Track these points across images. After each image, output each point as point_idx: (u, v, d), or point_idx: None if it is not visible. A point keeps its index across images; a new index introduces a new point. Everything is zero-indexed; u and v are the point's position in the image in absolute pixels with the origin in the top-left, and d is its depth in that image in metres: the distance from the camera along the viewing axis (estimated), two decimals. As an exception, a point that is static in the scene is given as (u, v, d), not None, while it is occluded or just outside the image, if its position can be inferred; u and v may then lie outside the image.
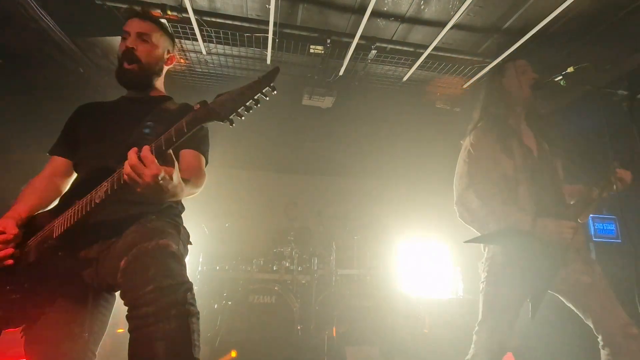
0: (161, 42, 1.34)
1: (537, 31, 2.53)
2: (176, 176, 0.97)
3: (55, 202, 1.24)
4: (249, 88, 0.92)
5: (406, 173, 5.34)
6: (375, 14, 2.53)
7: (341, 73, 3.22)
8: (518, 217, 1.50)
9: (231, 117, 0.93)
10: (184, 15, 2.55)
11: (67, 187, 1.29)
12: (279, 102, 3.99)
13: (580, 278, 1.50)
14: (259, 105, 0.95)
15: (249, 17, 2.67)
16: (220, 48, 3.00)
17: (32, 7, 2.32)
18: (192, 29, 2.66)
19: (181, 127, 0.92)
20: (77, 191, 1.10)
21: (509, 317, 1.53)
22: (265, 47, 2.88)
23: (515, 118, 1.72)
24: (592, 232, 3.33)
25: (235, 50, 3.02)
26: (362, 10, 2.48)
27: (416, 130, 4.40)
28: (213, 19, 2.64)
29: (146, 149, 0.90)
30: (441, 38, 2.71)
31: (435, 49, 2.85)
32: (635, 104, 1.23)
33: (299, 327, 3.14)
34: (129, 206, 1.12)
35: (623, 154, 1.42)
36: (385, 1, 2.47)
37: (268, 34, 2.69)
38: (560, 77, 1.42)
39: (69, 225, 1.03)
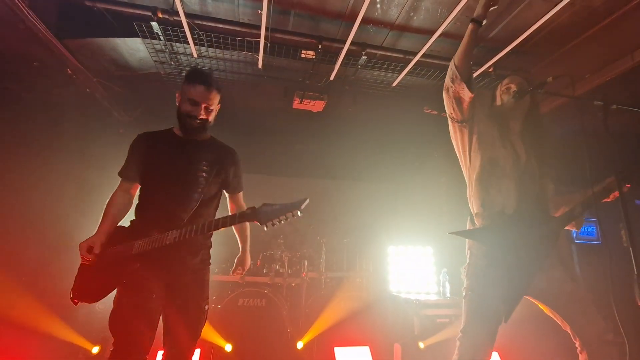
0: (217, 105, 1.73)
1: (520, 41, 2.62)
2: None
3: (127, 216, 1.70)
4: (285, 208, 1.35)
5: (395, 176, 5.41)
6: (365, 20, 2.58)
7: (332, 78, 3.26)
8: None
9: (268, 224, 1.37)
10: (175, 18, 2.55)
11: (132, 202, 1.72)
12: (270, 105, 4.01)
13: (562, 286, 1.54)
14: (287, 220, 1.37)
15: (241, 21, 2.69)
16: (211, 51, 3.00)
17: (19, 7, 2.28)
18: (183, 31, 2.66)
19: (233, 220, 1.46)
20: (151, 223, 1.57)
21: (492, 324, 1.55)
22: (257, 52, 2.89)
23: (507, 129, 1.77)
24: (574, 234, 3.44)
25: (226, 54, 3.03)
26: (352, 17, 2.53)
27: (405, 134, 4.48)
28: (204, 23, 2.65)
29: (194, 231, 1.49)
30: (430, 46, 2.78)
31: (424, 56, 2.91)
32: (609, 114, 1.30)
33: (288, 330, 3.16)
34: (187, 252, 1.62)
35: (598, 162, 1.49)
36: (376, 8, 2.52)
37: (260, 38, 2.71)
38: (540, 88, 1.48)
39: (143, 249, 1.50)
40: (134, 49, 2.96)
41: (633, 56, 2.51)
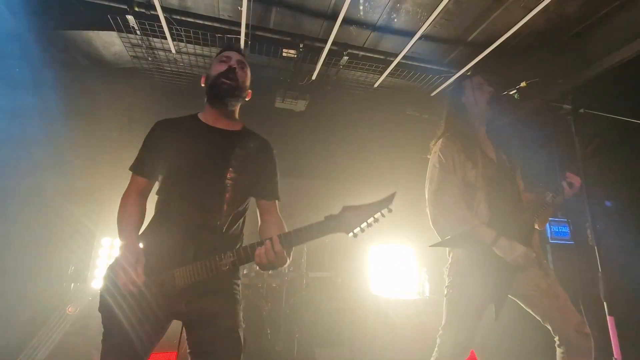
0: (249, 76, 1.52)
1: (497, 46, 2.68)
2: (288, 260, 1.24)
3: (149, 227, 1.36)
4: (371, 208, 1.14)
5: (377, 177, 5.44)
6: (347, 21, 2.59)
7: (314, 77, 3.25)
8: (482, 230, 1.56)
9: (355, 231, 1.15)
10: (152, 12, 2.48)
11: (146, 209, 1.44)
12: (252, 104, 3.95)
13: (538, 283, 1.59)
14: (377, 223, 1.15)
15: (221, 17, 2.64)
16: (190, 47, 2.94)
17: (-16, -4, 2.17)
18: (161, 26, 2.59)
19: (312, 233, 1.17)
20: (186, 240, 1.25)
21: (472, 321, 1.59)
22: (238, 49, 2.85)
23: (476, 131, 1.81)
24: (549, 235, 3.56)
25: (206, 50, 2.97)
26: (334, 16, 2.52)
27: (387, 135, 4.51)
28: (183, 18, 2.59)
29: (278, 245, 1.15)
30: (410, 47, 2.81)
31: (404, 57, 2.94)
32: (578, 118, 1.34)
33: (268, 331, 3.13)
34: (226, 275, 1.30)
35: (568, 163, 1.54)
36: (358, 9, 2.53)
37: (240, 35, 2.67)
38: (514, 91, 1.52)
39: (193, 280, 1.20)
40: (108, 42, 2.87)
41: (602, 63, 2.61)
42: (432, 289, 3.45)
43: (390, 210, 1.14)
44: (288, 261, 1.24)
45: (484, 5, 2.41)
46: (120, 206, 1.38)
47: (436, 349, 1.65)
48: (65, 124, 3.26)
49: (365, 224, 1.14)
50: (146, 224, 1.38)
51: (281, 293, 3.48)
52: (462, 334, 1.59)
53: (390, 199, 1.15)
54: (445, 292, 1.68)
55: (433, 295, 3.40)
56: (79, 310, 2.90)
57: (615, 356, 1.12)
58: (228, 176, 1.33)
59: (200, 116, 1.48)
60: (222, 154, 1.37)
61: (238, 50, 1.52)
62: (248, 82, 1.52)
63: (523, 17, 2.40)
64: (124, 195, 1.40)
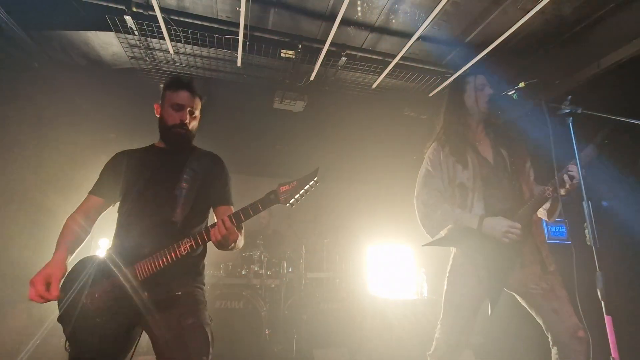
0: (198, 116, 1.67)
1: (494, 47, 2.69)
2: (241, 238, 1.47)
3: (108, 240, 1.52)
4: (302, 181, 1.36)
5: (375, 177, 5.46)
6: (345, 22, 2.59)
7: (312, 78, 3.25)
8: (466, 217, 1.62)
9: (292, 202, 1.37)
10: (150, 12, 2.48)
11: (91, 228, 1.54)
12: (250, 105, 3.95)
13: (539, 282, 1.60)
14: (308, 194, 1.38)
15: (219, 18, 2.64)
16: (188, 48, 2.93)
17: (-20, -4, 2.15)
18: (159, 26, 2.58)
19: (257, 207, 1.36)
20: (144, 238, 1.38)
21: (466, 314, 1.63)
22: (236, 49, 2.85)
23: (474, 130, 1.83)
24: (546, 234, 3.57)
25: (204, 51, 2.97)
26: (332, 17, 2.52)
27: (385, 135, 4.52)
28: (181, 19, 2.58)
29: (228, 221, 1.31)
30: (408, 48, 2.81)
31: (402, 58, 2.95)
32: (576, 119, 1.35)
33: (267, 332, 3.12)
34: (185, 270, 1.45)
35: (566, 161, 1.55)
36: (356, 10, 2.53)
37: (238, 36, 2.67)
38: (513, 92, 1.53)
39: (154, 270, 1.32)
40: (106, 43, 2.86)
41: (599, 64, 2.63)
42: (430, 289, 3.46)
43: (317, 182, 1.36)
44: (240, 237, 1.44)
45: (482, 6, 2.42)
46: (65, 223, 1.48)
47: (434, 342, 1.70)
48: (63, 125, 3.24)
49: (298, 195, 1.35)
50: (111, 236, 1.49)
51: (279, 294, 3.48)
52: (457, 325, 1.63)
53: (315, 172, 1.37)
54: (445, 288, 1.73)
55: (431, 295, 3.41)
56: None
57: (613, 355, 1.12)
58: (182, 184, 1.50)
59: (157, 144, 1.67)
60: (175, 167, 1.55)
61: (189, 87, 1.62)
62: (197, 122, 1.67)
63: (520, 19, 2.41)
64: (72, 214, 1.50)
